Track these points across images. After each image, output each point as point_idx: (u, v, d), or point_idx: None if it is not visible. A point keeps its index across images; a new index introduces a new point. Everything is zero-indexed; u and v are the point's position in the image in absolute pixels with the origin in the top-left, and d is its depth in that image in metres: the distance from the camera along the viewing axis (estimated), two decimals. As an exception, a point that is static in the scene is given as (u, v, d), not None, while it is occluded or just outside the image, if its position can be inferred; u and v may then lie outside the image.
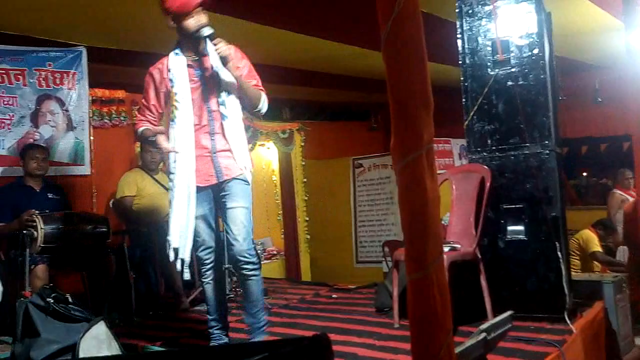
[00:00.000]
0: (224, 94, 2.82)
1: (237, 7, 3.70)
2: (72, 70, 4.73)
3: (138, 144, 5.20)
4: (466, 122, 3.40)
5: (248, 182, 2.88)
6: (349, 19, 4.58)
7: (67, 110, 4.74)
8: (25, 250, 3.40)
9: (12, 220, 3.66)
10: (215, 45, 2.71)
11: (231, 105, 2.85)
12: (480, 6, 3.36)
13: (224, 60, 2.72)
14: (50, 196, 4.02)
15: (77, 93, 4.79)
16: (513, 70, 3.26)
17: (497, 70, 3.30)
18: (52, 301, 2.78)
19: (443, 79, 5.35)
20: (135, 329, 3.64)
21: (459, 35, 3.42)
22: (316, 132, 7.56)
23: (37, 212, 3.56)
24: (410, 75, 1.51)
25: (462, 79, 3.42)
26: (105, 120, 5.20)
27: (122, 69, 5.45)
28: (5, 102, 4.43)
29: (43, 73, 4.61)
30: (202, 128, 2.83)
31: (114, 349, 2.69)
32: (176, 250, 2.79)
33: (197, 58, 2.84)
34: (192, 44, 2.82)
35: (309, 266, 7.29)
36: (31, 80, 4.55)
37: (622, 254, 5.76)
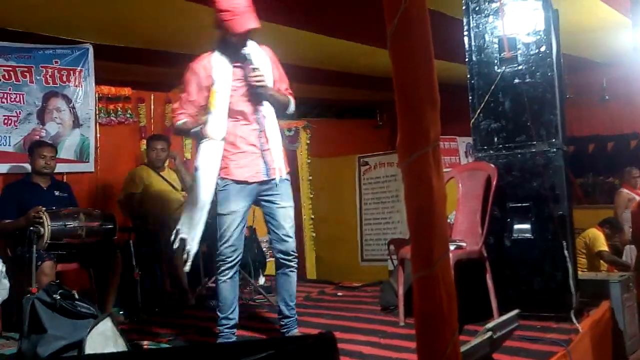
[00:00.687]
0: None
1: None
2: (79, 68, 4.75)
3: (144, 141, 5.21)
4: (473, 120, 3.38)
5: (289, 181, 3.02)
6: (355, 16, 4.57)
7: (73, 108, 4.76)
8: (32, 247, 3.41)
9: (19, 217, 3.68)
10: (253, 70, 2.84)
11: (269, 106, 2.96)
12: (487, 3, 3.35)
13: (259, 89, 2.86)
14: (57, 194, 4.03)
15: (83, 90, 4.81)
16: (520, 67, 3.25)
17: (504, 67, 3.29)
18: (58, 297, 2.78)
19: (449, 76, 5.33)
20: (141, 326, 3.65)
21: (465, 33, 3.41)
22: (322, 130, 7.55)
23: (44, 209, 3.58)
24: (416, 72, 1.50)
25: (468, 76, 3.41)
26: (112, 118, 5.21)
27: (128, 66, 5.47)
28: (12, 99, 4.45)
29: (50, 70, 4.63)
30: (248, 125, 2.90)
31: (120, 346, 2.70)
32: (183, 241, 2.85)
33: (238, 61, 2.91)
34: (233, 48, 2.88)
35: (315, 264, 7.29)
36: (38, 78, 4.57)
37: (629, 252, 5.73)
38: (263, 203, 2.98)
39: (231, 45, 2.87)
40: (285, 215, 2.96)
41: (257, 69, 2.85)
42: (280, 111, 3.02)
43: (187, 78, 2.94)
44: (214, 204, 2.96)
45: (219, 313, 2.98)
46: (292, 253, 2.97)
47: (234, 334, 3.02)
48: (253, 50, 2.91)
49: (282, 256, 2.97)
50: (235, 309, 3.01)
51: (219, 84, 2.86)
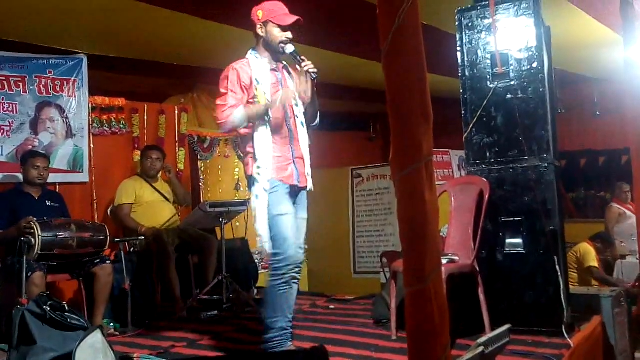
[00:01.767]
0: (299, 103, 2.96)
1: (236, 17, 3.72)
2: (73, 78, 4.75)
3: (137, 151, 5.21)
4: (465, 135, 3.40)
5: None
6: (349, 30, 4.60)
7: (66, 118, 4.75)
8: (22, 258, 3.38)
9: (10, 227, 3.65)
10: (302, 61, 2.85)
11: (302, 114, 2.98)
12: (480, 19, 3.38)
13: (312, 77, 2.86)
14: (48, 204, 4.01)
15: (77, 100, 4.80)
16: (512, 83, 3.27)
17: (496, 83, 3.31)
18: (48, 309, 2.76)
19: (442, 90, 5.37)
20: (132, 338, 3.62)
21: (458, 48, 3.44)
22: (315, 142, 7.51)
23: (35, 219, 3.55)
24: (410, 87, 1.51)
25: (461, 91, 3.43)
26: (105, 128, 5.19)
27: (122, 76, 5.48)
28: (5, 109, 4.43)
29: (43, 80, 4.63)
30: (280, 133, 2.90)
31: (110, 358, 2.68)
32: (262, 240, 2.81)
33: (275, 65, 2.97)
34: (271, 50, 2.94)
35: (307, 276, 7.26)
36: (31, 87, 4.56)
37: (620, 267, 5.75)
38: None
39: (269, 47, 2.93)
40: (302, 226, 2.96)
41: (304, 59, 2.85)
42: (313, 117, 3.05)
43: (229, 77, 2.87)
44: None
45: (270, 324, 2.80)
46: (301, 265, 2.90)
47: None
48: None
49: (294, 266, 2.86)
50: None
51: (262, 84, 2.88)
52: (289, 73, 3.03)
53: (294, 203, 2.92)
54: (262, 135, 2.84)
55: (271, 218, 2.79)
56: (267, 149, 2.84)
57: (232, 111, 2.79)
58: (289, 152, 2.92)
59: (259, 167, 2.82)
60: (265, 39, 2.93)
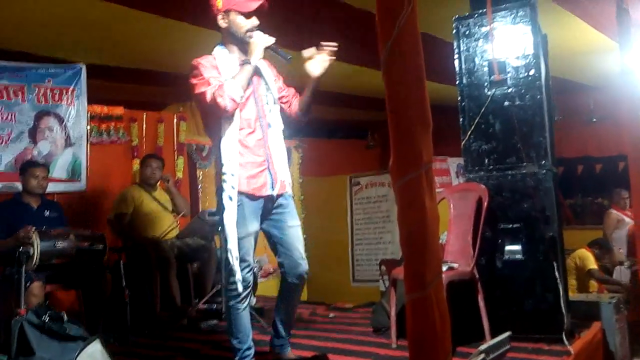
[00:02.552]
0: (271, 102, 2.74)
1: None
2: (71, 87, 4.76)
3: (136, 160, 5.21)
4: (463, 142, 3.41)
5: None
6: (347, 37, 4.62)
7: (65, 127, 4.76)
8: (21, 268, 3.36)
9: (8, 237, 3.64)
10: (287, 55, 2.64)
11: (276, 115, 2.76)
12: (477, 27, 3.40)
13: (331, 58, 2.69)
14: (47, 214, 4.00)
15: (75, 109, 4.81)
16: (510, 90, 3.29)
17: (493, 90, 3.33)
18: (47, 319, 2.75)
19: (440, 97, 5.39)
20: (131, 348, 3.61)
21: (456, 56, 3.45)
22: (313, 150, 7.57)
23: (34, 228, 3.55)
24: (409, 94, 1.52)
25: (459, 98, 3.44)
26: (104, 137, 5.20)
27: (121, 85, 5.49)
28: (4, 118, 4.44)
29: (42, 89, 4.64)
30: (252, 134, 2.65)
31: (109, 368, 2.67)
32: (234, 258, 2.55)
33: (246, 59, 2.65)
34: (238, 42, 2.69)
35: (306, 284, 7.25)
36: (30, 97, 4.57)
37: (619, 273, 5.76)
38: (271, 223, 2.72)
39: (235, 39, 2.67)
40: (297, 234, 2.74)
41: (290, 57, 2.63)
42: (307, 112, 2.83)
43: (198, 67, 2.59)
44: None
45: (239, 345, 2.67)
46: (305, 275, 2.76)
47: None
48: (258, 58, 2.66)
49: (297, 281, 2.75)
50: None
51: (225, 77, 2.59)
52: (262, 69, 2.74)
53: (279, 212, 2.71)
54: (230, 138, 2.58)
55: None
56: (235, 153, 2.57)
57: (213, 87, 2.52)
58: (263, 156, 2.65)
59: (224, 174, 2.55)
60: (230, 30, 2.66)
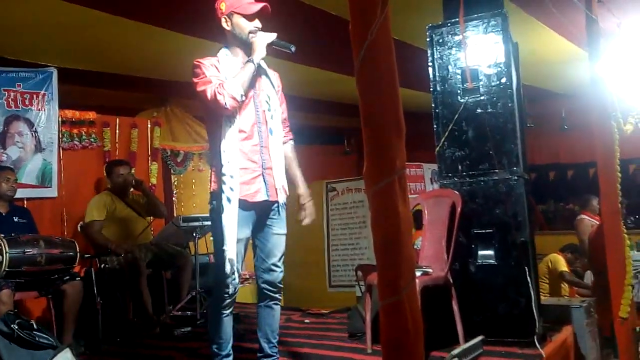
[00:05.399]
0: (272, 108, 2.73)
1: (211, 30, 3.72)
2: (42, 91, 4.69)
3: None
4: (437, 148, 3.45)
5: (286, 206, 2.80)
6: (323, 44, 4.64)
7: (35, 132, 4.68)
8: (-11, 275, 3.30)
9: (-24, 244, 3.56)
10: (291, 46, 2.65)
11: (277, 121, 2.75)
12: (450, 36, 3.44)
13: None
14: (16, 220, 3.92)
15: (46, 114, 4.73)
16: (482, 98, 3.33)
17: (466, 97, 3.37)
18: (16, 327, 2.70)
19: (416, 104, 5.44)
20: (102, 356, 3.55)
21: (429, 63, 3.49)
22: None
23: (2, 235, 3.47)
24: (382, 101, 1.53)
25: (433, 105, 3.48)
26: (75, 142, 5.12)
27: (93, 90, 5.42)
28: (-27, 123, 4.35)
29: (12, 94, 4.56)
30: (249, 140, 2.64)
31: (80, 377, 2.62)
32: (231, 261, 2.54)
33: (247, 59, 2.66)
34: (242, 45, 2.70)
35: (283, 291, 7.22)
36: (0, 101, 4.48)
37: (590, 278, 5.87)
38: (262, 228, 2.73)
39: (239, 42, 2.69)
40: (278, 243, 2.72)
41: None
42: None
43: (200, 66, 2.58)
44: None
45: (218, 351, 2.66)
46: (279, 285, 2.75)
47: None
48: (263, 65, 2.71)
49: (268, 287, 2.74)
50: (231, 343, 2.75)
51: (227, 77, 2.59)
52: (265, 73, 2.77)
53: (268, 217, 2.70)
54: (231, 141, 2.58)
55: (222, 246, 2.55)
56: (235, 156, 2.57)
57: (223, 85, 2.52)
58: (259, 162, 2.65)
59: (223, 175, 2.54)
60: (233, 32, 2.68)
